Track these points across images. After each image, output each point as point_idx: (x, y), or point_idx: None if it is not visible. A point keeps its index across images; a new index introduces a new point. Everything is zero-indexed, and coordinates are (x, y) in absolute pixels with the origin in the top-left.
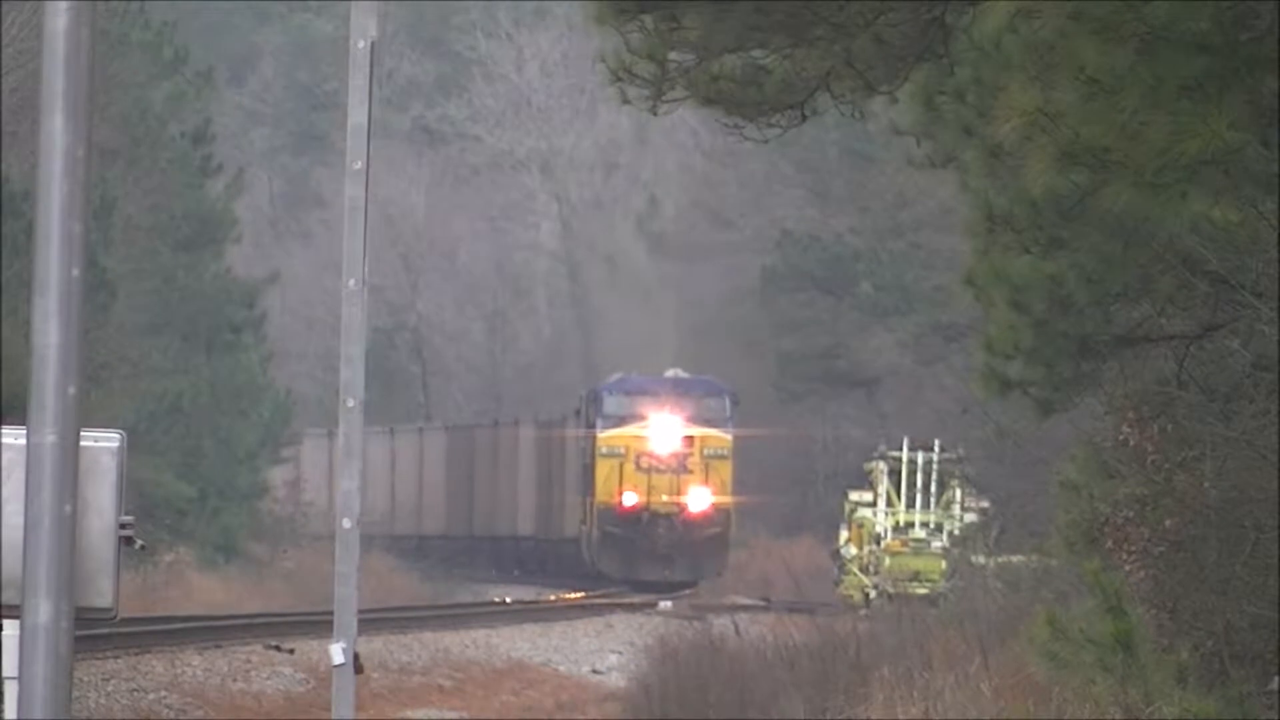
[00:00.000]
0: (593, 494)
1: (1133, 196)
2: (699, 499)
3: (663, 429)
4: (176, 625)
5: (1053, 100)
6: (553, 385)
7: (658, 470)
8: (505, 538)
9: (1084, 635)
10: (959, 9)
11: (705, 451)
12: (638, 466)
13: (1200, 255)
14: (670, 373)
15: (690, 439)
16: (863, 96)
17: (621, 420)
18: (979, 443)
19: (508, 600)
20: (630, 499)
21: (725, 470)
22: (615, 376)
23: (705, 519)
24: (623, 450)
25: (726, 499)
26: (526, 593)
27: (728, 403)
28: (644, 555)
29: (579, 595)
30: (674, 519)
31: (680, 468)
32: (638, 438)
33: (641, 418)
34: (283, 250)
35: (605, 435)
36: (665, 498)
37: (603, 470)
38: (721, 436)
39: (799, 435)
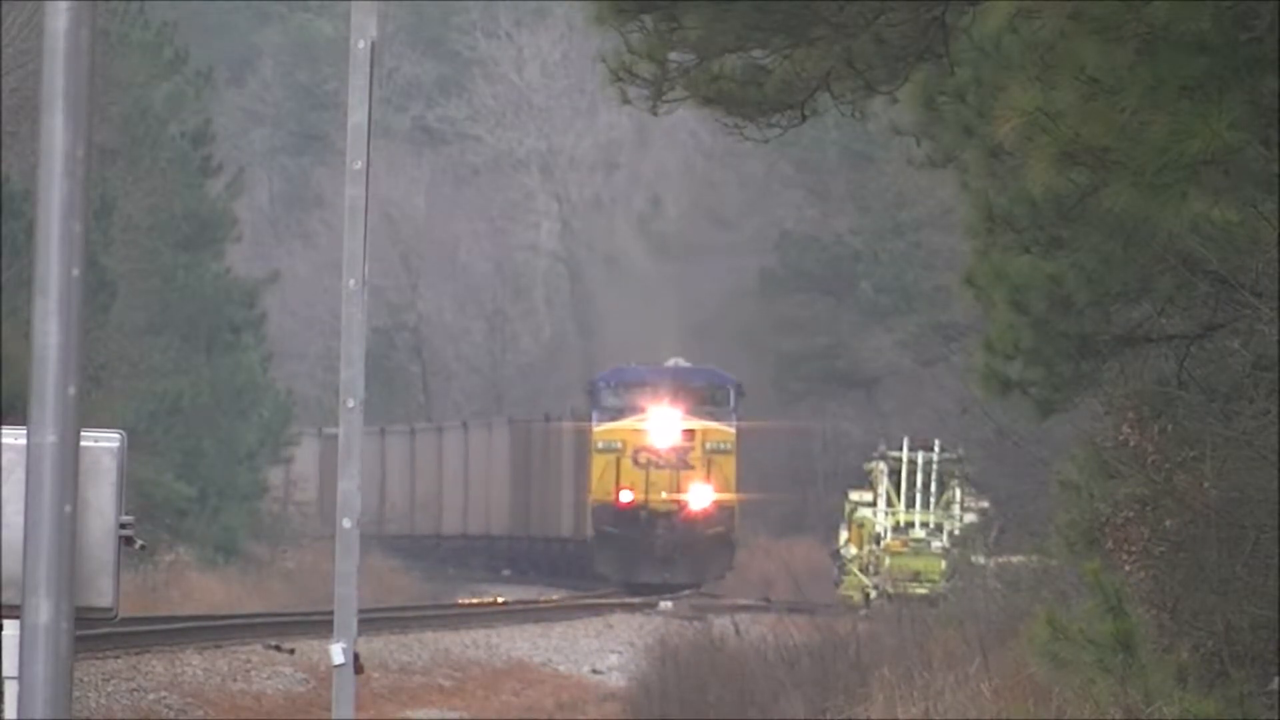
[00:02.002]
0: (588, 491)
1: (1133, 196)
2: (700, 496)
3: (662, 422)
4: (176, 625)
5: (1053, 100)
6: (553, 385)
7: (656, 466)
8: (553, 539)
9: (1084, 635)
10: (959, 9)
11: (707, 446)
12: (635, 462)
13: (1200, 255)
14: (671, 362)
15: (691, 432)
16: (863, 96)
17: (619, 413)
18: (979, 443)
19: (500, 600)
20: (627, 496)
21: (729, 466)
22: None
23: (707, 517)
24: (619, 445)
25: (730, 496)
26: (529, 593)
27: (731, 394)
28: (642, 556)
29: (561, 596)
30: (673, 518)
31: (680, 463)
32: (635, 431)
33: (640, 410)
34: (283, 250)
35: (601, 429)
36: (664, 495)
37: (598, 466)
38: (724, 430)
39: (801, 430)
